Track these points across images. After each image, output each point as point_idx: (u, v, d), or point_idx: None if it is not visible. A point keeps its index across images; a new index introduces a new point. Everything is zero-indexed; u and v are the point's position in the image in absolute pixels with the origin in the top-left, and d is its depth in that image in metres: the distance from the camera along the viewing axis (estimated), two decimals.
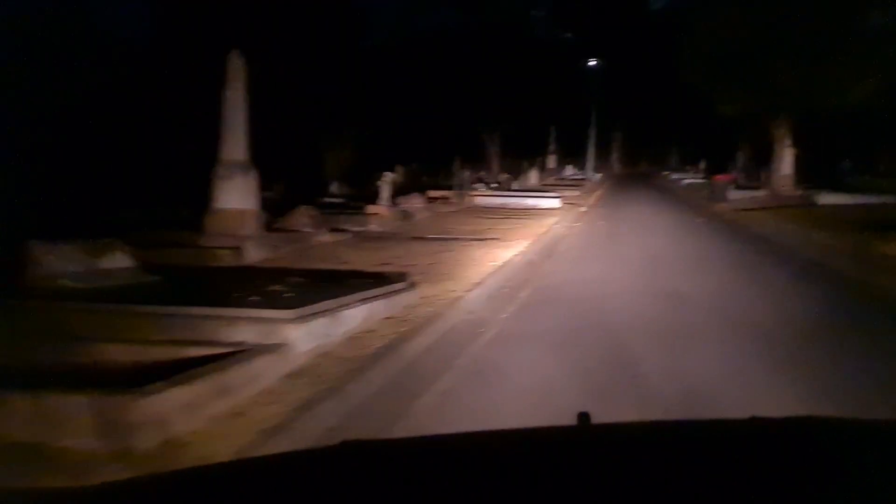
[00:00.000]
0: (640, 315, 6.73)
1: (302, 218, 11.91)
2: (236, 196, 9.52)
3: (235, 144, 9.57)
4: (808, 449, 1.20)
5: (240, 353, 4.30)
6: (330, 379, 4.43)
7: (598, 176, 39.80)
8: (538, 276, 9.20)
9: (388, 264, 9.14)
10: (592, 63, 43.40)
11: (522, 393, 4.49)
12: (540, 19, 48.74)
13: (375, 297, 6.20)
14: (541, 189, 25.78)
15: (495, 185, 25.00)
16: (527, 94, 38.52)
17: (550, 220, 16.04)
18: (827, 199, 20.78)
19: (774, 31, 20.01)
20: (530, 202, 20.25)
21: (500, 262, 9.62)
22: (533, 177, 29.87)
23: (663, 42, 44.62)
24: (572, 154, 43.70)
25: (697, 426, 1.57)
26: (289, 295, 5.80)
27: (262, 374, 4.24)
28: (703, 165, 42.41)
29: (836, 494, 1.00)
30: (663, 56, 46.09)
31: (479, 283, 8.01)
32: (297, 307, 5.16)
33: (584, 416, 1.46)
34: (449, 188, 21.55)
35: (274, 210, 12.09)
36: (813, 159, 31.58)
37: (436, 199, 19.96)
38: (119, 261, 6.78)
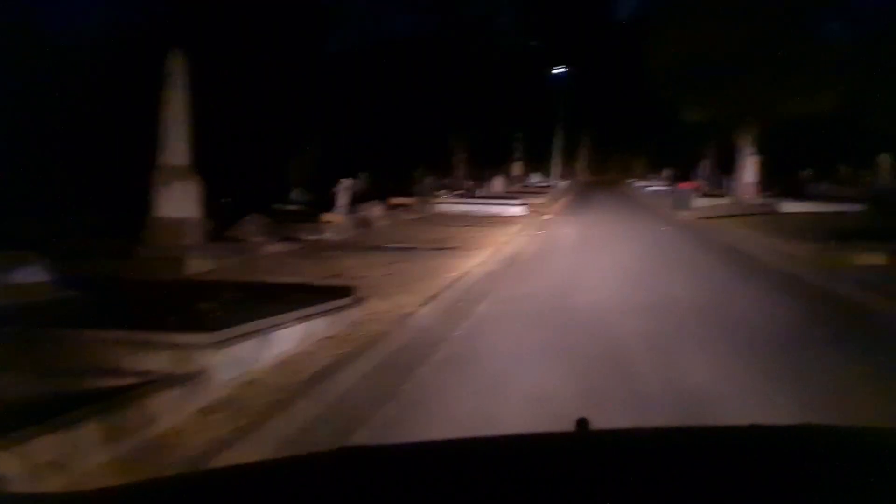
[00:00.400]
0: (604, 332, 6.27)
1: (252, 226, 11.30)
2: (177, 203, 8.88)
3: (176, 149, 8.94)
4: (808, 457, 1.20)
5: (143, 386, 3.72)
6: (251, 413, 3.87)
7: (564, 183, 39.62)
8: (497, 289, 8.70)
9: (338, 276, 8.58)
10: (558, 71, 43.36)
11: (472, 426, 3.98)
12: (506, 27, 48.63)
13: (315, 315, 5.65)
14: (506, 196, 25.41)
15: (460, 192, 24.54)
16: (493, 101, 38.27)
17: (514, 228, 15.61)
18: (789, 207, 20.72)
19: (738, 41, 19.95)
20: (494, 210, 19.82)
21: (457, 274, 9.12)
22: (498, 184, 29.49)
23: (629, 50, 44.98)
24: (539, 161, 43.50)
25: (697, 433, 1.57)
26: (217, 314, 5.22)
27: (168, 410, 3.66)
28: (667, 174, 42.61)
29: (835, 502, 1.01)
30: (629, 64, 46.45)
31: (433, 297, 7.50)
32: (221, 328, 4.59)
33: (582, 422, 1.47)
34: (413, 195, 21.05)
35: (227, 218, 11.46)
36: (774, 168, 31.80)
37: (398, 206, 19.45)
38: (33, 274, 6.12)
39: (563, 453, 1.26)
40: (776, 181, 32.63)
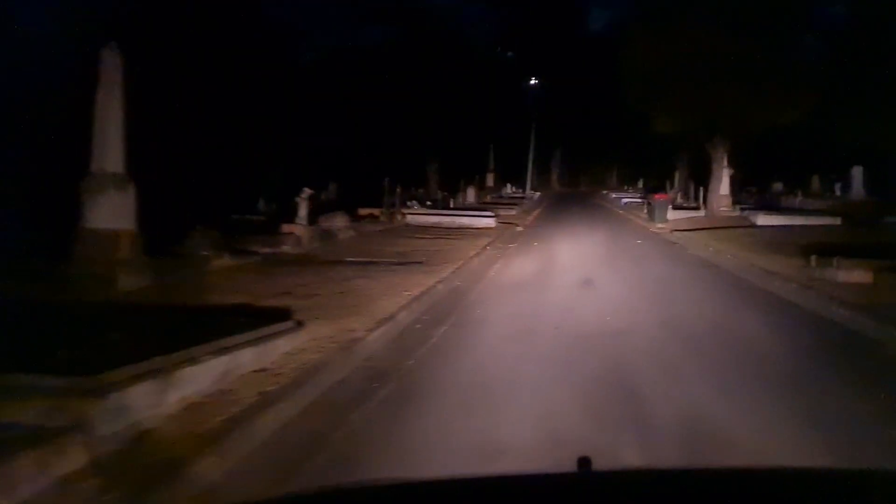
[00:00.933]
0: (575, 363, 5.56)
1: (202, 239, 10.45)
2: (109, 214, 8.02)
3: (109, 153, 8.09)
4: (824, 502, 1.18)
5: None
6: (130, 480, 3.07)
7: (538, 194, 39.10)
8: (460, 309, 7.97)
9: (287, 294, 7.79)
10: (533, 82, 42.99)
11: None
12: (481, 38, 48.21)
13: (243, 345, 4.87)
14: (478, 207, 24.73)
15: (430, 203, 23.78)
16: (467, 111, 37.71)
17: (483, 241, 14.90)
18: (765, 219, 20.30)
19: (710, 54, 19.54)
20: (465, 221, 19.11)
21: (418, 292, 8.36)
22: (471, 195, 28.81)
23: (603, 62, 44.86)
24: (513, 173, 42.96)
25: (707, 475, 1.53)
26: (122, 346, 4.42)
27: (18, 480, 2.86)
28: (641, 185, 42.30)
29: None
30: (603, 76, 46.27)
31: (387, 319, 6.74)
32: (116, 366, 3.80)
33: (584, 462, 1.46)
34: (383, 206, 20.26)
35: (179, 229, 10.60)
36: (746, 179, 31.55)
37: (365, 217, 18.69)
38: None
39: (564, 495, 1.24)
40: (749, 193, 32.43)
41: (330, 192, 27.40)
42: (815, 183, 30.80)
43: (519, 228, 19.36)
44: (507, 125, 41.20)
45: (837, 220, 19.94)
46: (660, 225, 20.76)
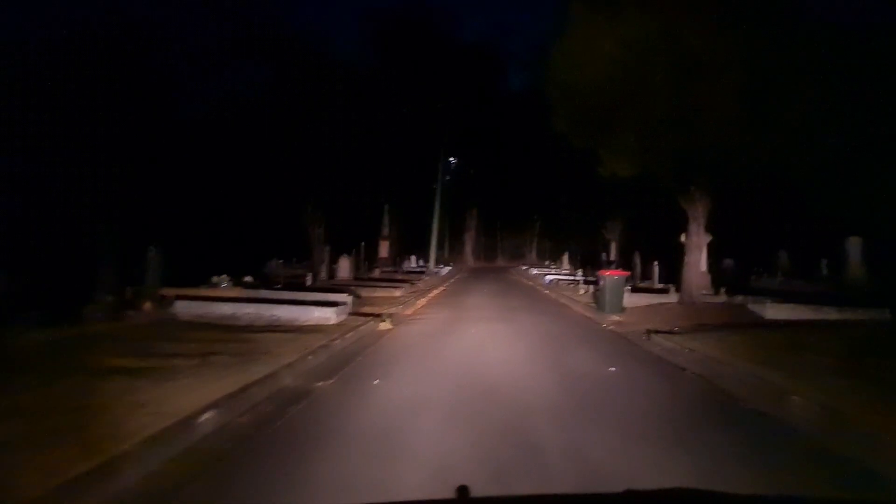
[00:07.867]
0: None
1: None
2: None
3: None
4: None
5: None
6: None
7: (447, 269, 30.57)
8: None
9: None
10: (445, 140, 35.24)
11: None
12: (390, 92, 40.52)
13: None
14: (339, 288, 15.71)
15: (249, 279, 14.52)
16: (361, 163, 29.34)
17: (253, 372, 5.95)
18: (776, 312, 12.22)
19: (689, 51, 11.78)
20: (283, 313, 10.11)
21: None
22: (344, 268, 19.85)
23: (522, 124, 38.05)
24: (419, 243, 34.54)
25: (574, 500, 1.48)
26: None
27: None
28: (566, 259, 34.55)
29: None
30: (522, 138, 39.18)
31: None
32: None
33: (462, 490, 1.54)
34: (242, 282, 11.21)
35: None
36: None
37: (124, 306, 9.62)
38: None
39: None
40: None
41: (151, 261, 17.71)
42: (784, 259, 23.39)
43: (383, 326, 10.49)
44: (413, 186, 33.09)
45: (885, 313, 12.09)
46: (615, 317, 12.37)
